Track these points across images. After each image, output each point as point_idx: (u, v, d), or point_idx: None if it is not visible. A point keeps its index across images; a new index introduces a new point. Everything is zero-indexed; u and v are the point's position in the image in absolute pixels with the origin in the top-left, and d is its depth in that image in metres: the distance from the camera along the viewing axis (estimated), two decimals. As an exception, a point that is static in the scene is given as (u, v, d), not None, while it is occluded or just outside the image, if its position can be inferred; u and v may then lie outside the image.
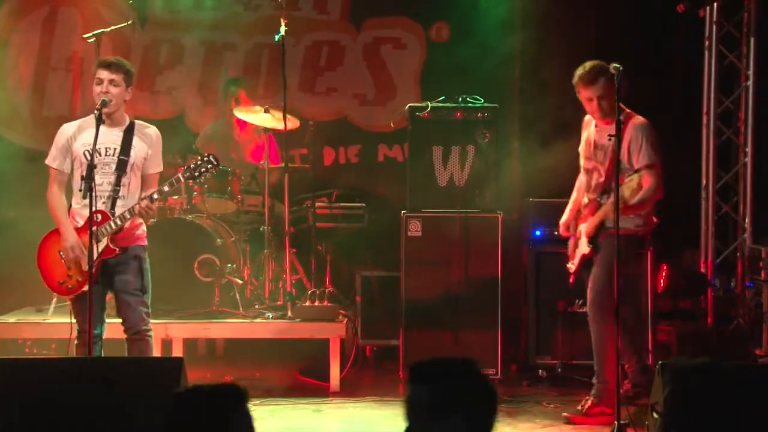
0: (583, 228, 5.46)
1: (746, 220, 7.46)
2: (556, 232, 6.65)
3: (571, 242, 5.61)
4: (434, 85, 7.42)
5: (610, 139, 5.15)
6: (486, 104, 6.71)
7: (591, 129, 5.51)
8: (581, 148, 5.57)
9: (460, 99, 6.71)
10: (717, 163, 7.49)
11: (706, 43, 7.52)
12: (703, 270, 7.49)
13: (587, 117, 5.56)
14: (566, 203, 6.70)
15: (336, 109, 8.03)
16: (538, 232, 6.78)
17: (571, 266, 5.61)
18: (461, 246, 6.53)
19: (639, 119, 5.39)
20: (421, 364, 2.61)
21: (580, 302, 6.59)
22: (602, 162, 5.38)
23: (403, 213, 6.62)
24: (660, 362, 4.03)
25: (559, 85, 7.21)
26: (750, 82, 7.46)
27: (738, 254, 7.46)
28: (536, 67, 7.48)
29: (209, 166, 5.16)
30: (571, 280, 5.69)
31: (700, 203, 7.51)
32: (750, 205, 7.44)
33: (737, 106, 7.58)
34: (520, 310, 6.80)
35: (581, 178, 5.65)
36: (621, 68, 5.11)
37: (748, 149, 7.48)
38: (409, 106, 6.73)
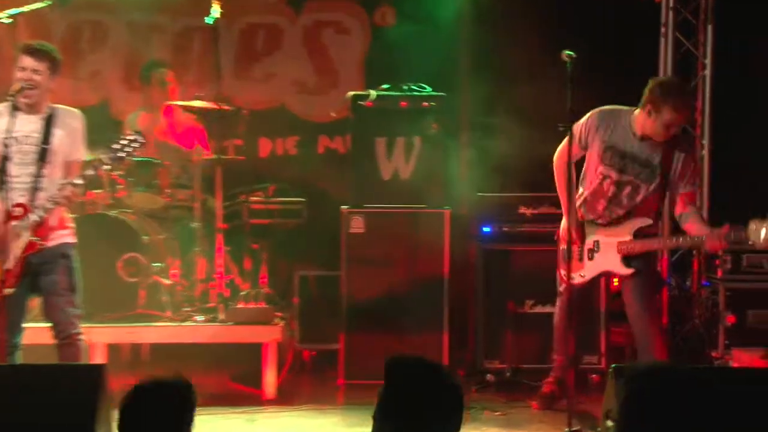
0: (608, 241, 5.38)
1: (703, 214, 7.51)
2: (505, 228, 6.73)
3: (575, 249, 5.50)
4: (379, 72, 7.39)
5: (561, 128, 5.11)
6: (433, 93, 6.70)
7: (620, 136, 5.33)
8: (598, 152, 5.42)
9: (405, 87, 6.70)
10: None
11: (662, 30, 7.58)
12: (658, 268, 7.55)
13: (600, 114, 5.45)
14: (518, 198, 6.71)
15: (273, 97, 7.95)
16: (487, 229, 6.78)
17: (573, 278, 5.51)
18: (406, 243, 6.53)
19: (687, 140, 5.45)
20: (401, 361, 2.69)
21: (531, 303, 6.61)
22: (645, 180, 5.32)
23: (345, 208, 6.58)
24: (613, 366, 4.02)
25: (512, 72, 7.29)
26: (707, 72, 7.53)
27: (694, 252, 7.53)
28: (487, 53, 7.48)
29: (135, 144, 5.03)
30: (563, 286, 5.59)
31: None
32: (707, 200, 7.52)
33: (694, 96, 7.65)
34: (468, 311, 6.81)
35: (562, 166, 5.46)
36: (574, 55, 5.11)
37: (705, 141, 7.55)
38: (352, 95, 6.69)
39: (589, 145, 5.43)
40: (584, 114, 5.57)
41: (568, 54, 5.10)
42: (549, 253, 6.37)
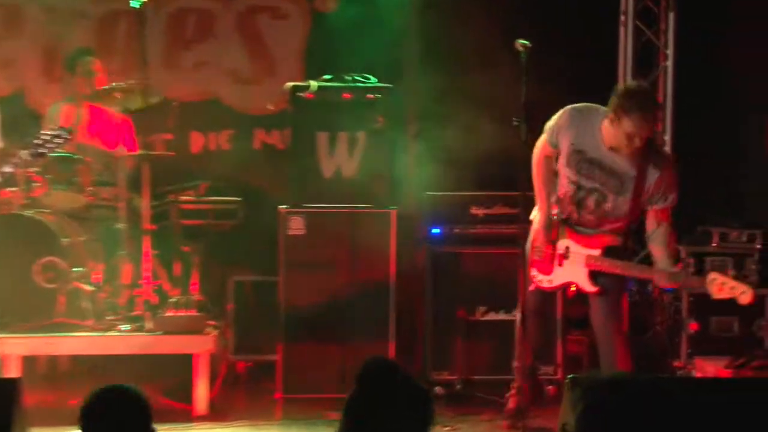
0: (579, 251, 5.42)
1: (670, 237, 7.61)
2: (456, 230, 6.77)
3: (547, 250, 5.53)
4: (320, 61, 7.39)
5: (516, 122, 5.15)
6: (379, 84, 6.71)
7: (589, 140, 5.34)
8: (566, 154, 5.44)
9: (349, 78, 6.71)
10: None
11: (622, 18, 7.68)
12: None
13: (573, 112, 5.47)
14: (469, 197, 6.74)
15: (205, 88, 7.90)
16: (436, 230, 6.81)
17: (541, 281, 5.54)
18: (349, 246, 6.54)
19: (663, 153, 5.48)
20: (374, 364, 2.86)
21: (483, 309, 6.65)
22: (614, 191, 5.34)
23: (283, 208, 6.57)
24: (570, 376, 4.07)
25: (464, 62, 7.33)
26: (669, 62, 7.64)
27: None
28: (437, 41, 7.50)
29: (59, 140, 4.97)
30: (531, 288, 5.64)
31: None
32: (669, 199, 7.62)
33: (655, 88, 7.74)
34: (416, 318, 6.83)
35: (540, 162, 5.49)
36: (528, 45, 5.15)
37: (667, 137, 7.67)
38: (291, 86, 6.68)
39: (559, 144, 5.45)
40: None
41: (523, 43, 5.13)
42: (502, 257, 6.45)
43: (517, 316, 5.65)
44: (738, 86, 7.75)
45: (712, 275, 5.09)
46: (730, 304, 6.92)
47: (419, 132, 7.55)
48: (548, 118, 5.55)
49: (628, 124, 5.12)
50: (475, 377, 6.60)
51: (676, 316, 7.22)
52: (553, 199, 5.54)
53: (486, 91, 7.06)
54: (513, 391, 5.70)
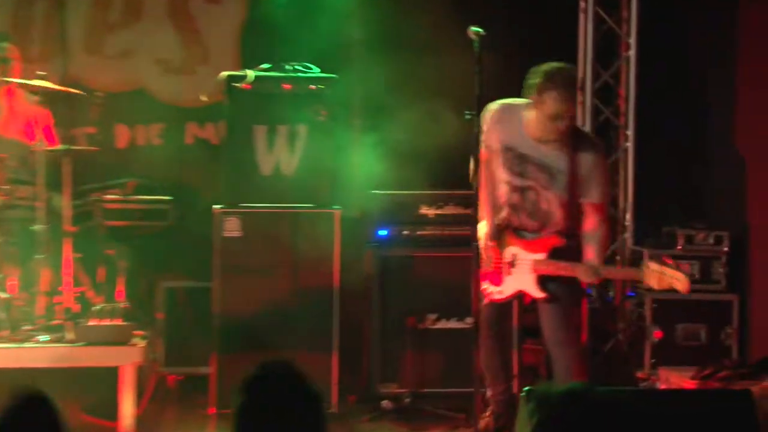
0: (526, 257, 5.45)
1: (627, 217, 7.73)
2: (405, 231, 6.81)
3: (496, 260, 5.54)
4: (257, 49, 7.38)
5: (468, 116, 5.16)
6: (322, 74, 6.73)
7: (517, 134, 5.38)
8: (497, 153, 5.47)
9: (289, 67, 6.72)
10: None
11: (582, 4, 7.74)
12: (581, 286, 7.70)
13: (499, 108, 5.50)
14: (419, 196, 6.77)
15: (132, 78, 7.84)
16: (383, 232, 6.84)
17: (492, 293, 5.55)
18: (289, 249, 6.55)
19: (594, 141, 5.50)
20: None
21: (434, 317, 6.67)
22: (545, 186, 5.36)
23: (217, 208, 6.57)
24: (526, 388, 4.10)
25: (415, 50, 7.37)
26: (631, 52, 7.71)
27: (617, 258, 7.73)
28: (385, 28, 7.50)
29: None
30: (485, 302, 5.65)
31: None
32: (632, 198, 7.71)
33: (617, 81, 7.83)
34: (362, 327, 6.85)
35: (483, 167, 5.54)
36: (482, 33, 5.16)
37: (630, 132, 7.74)
38: (226, 75, 6.68)
39: (491, 145, 5.49)
40: (493, 99, 5.62)
41: (476, 31, 5.13)
42: (455, 260, 6.48)
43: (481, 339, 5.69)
44: (704, 77, 7.86)
45: (650, 265, 5.15)
46: (696, 310, 7.13)
47: (365, 126, 7.54)
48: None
49: (551, 104, 5.20)
50: (426, 390, 6.62)
51: (639, 323, 7.30)
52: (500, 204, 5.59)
53: (438, 82, 7.14)
54: (487, 414, 5.73)
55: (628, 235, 7.70)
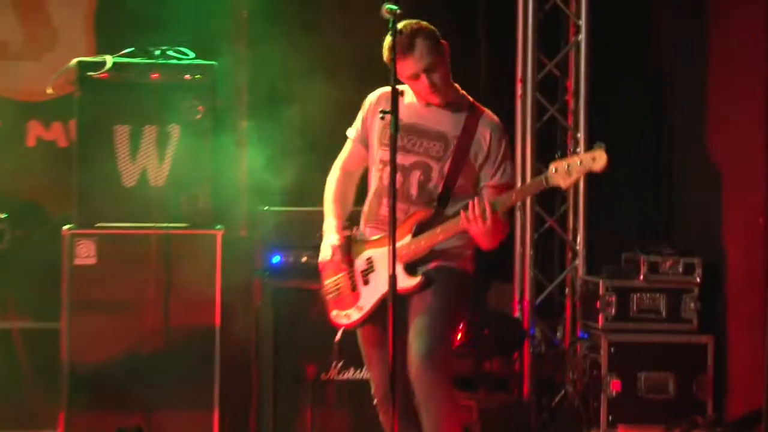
0: (383, 252, 5.38)
1: (578, 240, 7.82)
2: (304, 258, 6.78)
3: (343, 278, 5.55)
4: (117, 30, 7.34)
5: (382, 114, 5.20)
6: (198, 61, 6.72)
7: (404, 109, 5.42)
8: (375, 135, 5.52)
9: (158, 52, 6.71)
10: (537, 155, 7.74)
11: (522, -21, 7.82)
12: (517, 314, 7.74)
13: (379, 92, 5.58)
14: (321, 214, 6.78)
15: (-41, 64, 7.76)
16: (276, 258, 6.83)
17: (349, 315, 5.52)
18: (159, 279, 6.53)
19: (493, 117, 5.51)
20: None
21: (339, 365, 6.66)
22: (437, 157, 5.40)
23: (67, 229, 6.52)
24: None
25: (317, 32, 7.38)
26: (582, 36, 7.79)
27: (567, 290, 7.79)
28: (279, 4, 7.51)
29: None
30: (337, 338, 5.68)
31: (513, 214, 7.74)
32: (583, 217, 7.80)
33: (565, 72, 7.91)
34: (249, 377, 6.85)
35: (338, 176, 5.64)
36: (398, 10, 5.18)
37: (581, 135, 7.81)
38: (77, 62, 6.64)
39: (369, 135, 5.55)
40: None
41: (391, 9, 5.13)
42: None
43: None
44: (671, 67, 7.98)
45: (552, 166, 5.19)
46: (663, 355, 7.19)
47: (255, 125, 7.51)
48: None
49: (413, 60, 5.29)
50: (329, 455, 6.62)
51: (593, 371, 7.32)
52: (361, 219, 5.62)
53: (344, 73, 7.17)
54: None
55: (579, 262, 7.78)
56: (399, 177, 5.32)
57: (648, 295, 7.26)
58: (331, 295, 5.54)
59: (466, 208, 5.18)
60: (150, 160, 6.64)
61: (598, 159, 5.07)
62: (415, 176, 5.42)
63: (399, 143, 5.31)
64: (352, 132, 5.63)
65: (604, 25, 7.82)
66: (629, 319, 7.28)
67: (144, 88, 6.62)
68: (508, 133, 5.50)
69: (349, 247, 5.53)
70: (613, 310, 7.25)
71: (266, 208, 6.95)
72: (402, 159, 5.36)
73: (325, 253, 5.53)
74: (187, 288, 6.55)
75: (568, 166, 5.09)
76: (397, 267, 5.10)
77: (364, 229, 5.57)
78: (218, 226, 6.65)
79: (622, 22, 7.92)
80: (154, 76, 6.64)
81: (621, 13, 7.90)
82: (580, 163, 5.09)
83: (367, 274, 5.47)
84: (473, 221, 5.13)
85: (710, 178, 7.47)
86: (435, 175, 5.40)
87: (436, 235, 5.30)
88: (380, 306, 5.34)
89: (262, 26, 7.46)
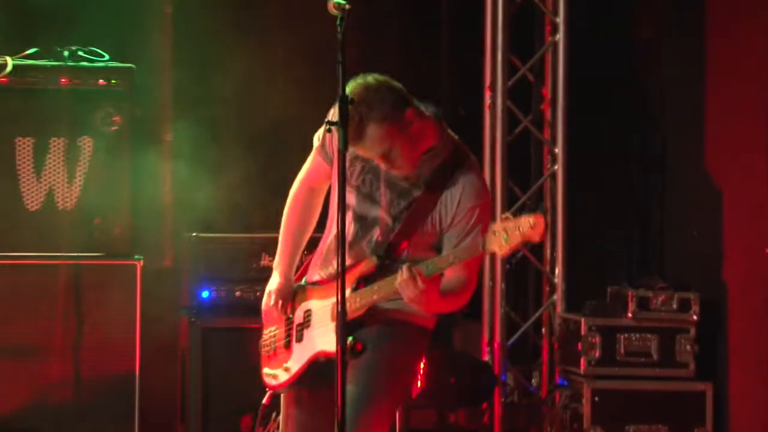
0: (322, 306, 5.35)
1: (556, 272, 7.80)
2: (238, 292, 6.78)
3: (278, 332, 5.51)
4: (20, 27, 7.22)
5: (329, 126, 5.11)
6: (114, 63, 6.72)
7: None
8: (348, 175, 5.43)
9: (67, 53, 6.68)
10: (508, 173, 7.75)
11: (490, -29, 7.82)
12: (486, 357, 7.71)
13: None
14: (260, 242, 6.76)
15: None
16: (206, 293, 6.80)
17: (276, 376, 5.48)
18: (67, 318, 6.51)
19: (474, 176, 5.41)
20: None
21: (274, 415, 6.62)
22: (395, 216, 5.32)
23: (-40, 259, 6.47)
24: None
25: (257, 29, 7.35)
26: (559, 36, 7.79)
27: (543, 329, 7.77)
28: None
29: None
30: (266, 401, 5.68)
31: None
32: (562, 245, 7.78)
33: (540, 77, 7.90)
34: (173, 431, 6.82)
35: (300, 192, 5.53)
36: (347, 5, 5.14)
37: (558, 150, 7.81)
38: (-29, 64, 6.58)
39: (334, 156, 5.48)
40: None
41: (338, 4, 5.10)
42: None
43: None
44: (662, 72, 7.98)
45: (492, 228, 5.15)
46: (655, 405, 7.18)
47: (182, 138, 7.45)
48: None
49: (363, 149, 5.11)
50: None
51: (574, 425, 7.32)
52: (318, 258, 5.54)
53: (283, 77, 7.14)
54: None
55: (557, 297, 7.76)
56: (357, 228, 5.28)
57: (637, 335, 7.25)
58: (266, 350, 5.48)
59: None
60: (58, 179, 6.62)
61: (536, 227, 5.02)
62: (375, 234, 5.36)
63: (364, 189, 5.28)
64: (316, 140, 5.46)
65: (584, 24, 7.83)
66: (615, 363, 7.26)
67: (50, 95, 6.62)
68: (488, 197, 5.39)
69: (292, 294, 5.46)
70: (597, 353, 7.22)
71: (194, 234, 6.89)
72: (366, 209, 5.31)
73: (265, 298, 5.46)
74: (101, 328, 6.53)
75: (506, 233, 5.02)
76: (330, 325, 5.13)
77: (312, 273, 5.49)
78: (137, 256, 6.60)
79: (605, 20, 7.92)
80: (63, 81, 6.62)
81: (604, 9, 7.91)
82: (519, 230, 5.03)
83: (302, 329, 5.41)
84: (404, 286, 5.00)
85: (708, 202, 7.48)
86: (391, 234, 5.33)
87: (372, 294, 5.24)
88: (309, 369, 5.28)
89: (188, 23, 7.48)
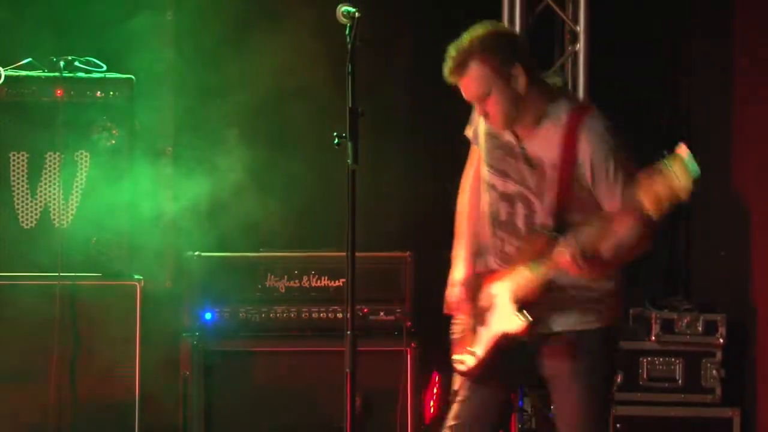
0: (504, 288, 5.40)
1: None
2: (242, 312, 6.78)
3: (466, 319, 5.51)
4: (13, 37, 7.20)
5: (337, 140, 5.09)
6: (112, 74, 6.72)
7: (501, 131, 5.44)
8: (481, 146, 5.48)
9: (63, 63, 6.66)
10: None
11: (509, -21, 7.80)
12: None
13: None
14: (266, 260, 6.77)
15: None
16: (208, 315, 6.77)
17: (464, 361, 5.51)
18: (64, 341, 6.49)
19: (598, 122, 5.41)
20: None
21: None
22: (535, 191, 5.31)
23: (-51, 280, 6.47)
24: None
25: (255, 42, 7.29)
26: (580, 45, 7.76)
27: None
28: (211, 6, 7.48)
29: None
30: (457, 387, 5.58)
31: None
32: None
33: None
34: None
35: (472, 182, 5.58)
36: (356, 13, 5.12)
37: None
38: (-40, 75, 6.57)
39: (477, 128, 5.54)
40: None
41: (348, 12, 5.09)
42: (318, 357, 6.52)
43: None
44: (685, 82, 7.97)
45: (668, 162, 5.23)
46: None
47: (182, 153, 7.50)
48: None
49: (462, 90, 5.25)
50: None
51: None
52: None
53: (290, 88, 7.12)
54: None
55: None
56: (506, 206, 5.34)
57: (661, 359, 7.22)
58: (455, 337, 5.55)
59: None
60: (53, 195, 6.63)
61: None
62: (521, 209, 5.36)
63: (494, 164, 5.35)
64: (470, 131, 5.53)
65: (606, 32, 7.81)
66: (638, 388, 7.23)
67: (45, 107, 6.62)
68: (620, 136, 5.37)
69: (476, 282, 5.51)
70: (619, 378, 7.15)
71: (196, 253, 6.85)
72: (502, 185, 5.35)
73: (452, 288, 5.56)
74: (99, 351, 6.54)
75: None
76: (509, 305, 5.25)
77: (489, 259, 5.55)
78: (137, 276, 6.60)
79: (627, 29, 7.92)
80: (58, 92, 6.62)
81: (627, 17, 7.91)
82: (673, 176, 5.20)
83: (485, 314, 5.43)
84: (568, 266, 5.13)
85: (736, 221, 7.49)
86: (539, 210, 5.33)
87: (549, 268, 5.24)
88: (493, 351, 5.39)
89: (190, 30, 7.49)
